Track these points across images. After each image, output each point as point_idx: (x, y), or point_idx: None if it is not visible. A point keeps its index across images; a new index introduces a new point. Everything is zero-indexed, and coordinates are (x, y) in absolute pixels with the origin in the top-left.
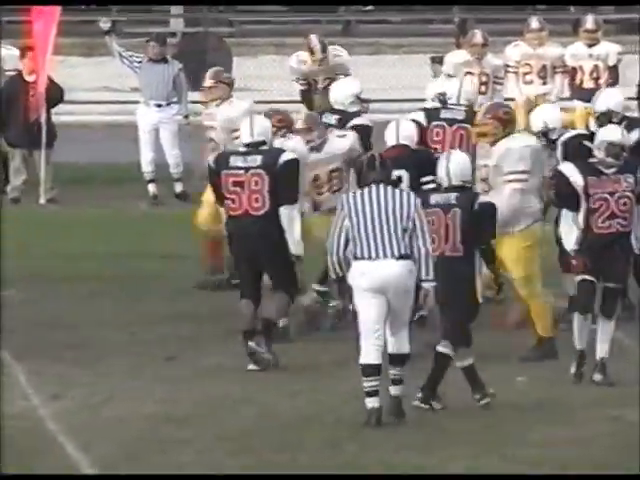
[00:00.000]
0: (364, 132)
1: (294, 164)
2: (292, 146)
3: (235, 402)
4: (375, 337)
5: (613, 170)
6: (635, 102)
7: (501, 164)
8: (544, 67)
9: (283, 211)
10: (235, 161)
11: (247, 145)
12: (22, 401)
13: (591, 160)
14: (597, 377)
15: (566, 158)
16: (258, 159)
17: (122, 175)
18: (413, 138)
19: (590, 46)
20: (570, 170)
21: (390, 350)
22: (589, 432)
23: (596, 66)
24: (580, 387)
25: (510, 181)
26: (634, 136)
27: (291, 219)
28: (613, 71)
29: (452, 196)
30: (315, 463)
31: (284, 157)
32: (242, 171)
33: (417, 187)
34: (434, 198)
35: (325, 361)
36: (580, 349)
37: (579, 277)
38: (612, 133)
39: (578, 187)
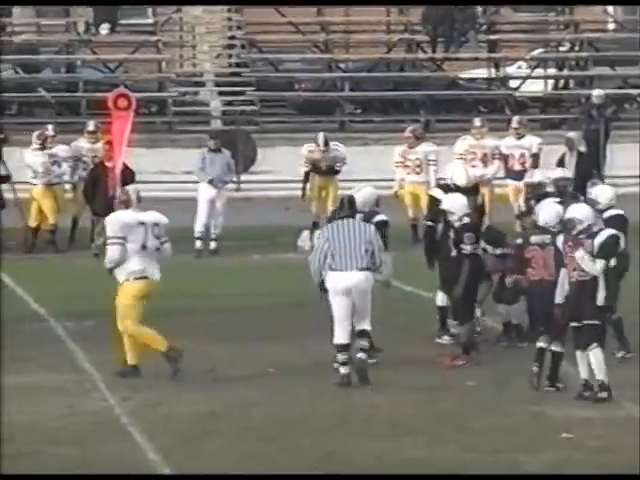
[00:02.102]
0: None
1: None
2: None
3: (249, 404)
4: (344, 324)
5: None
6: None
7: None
8: (485, 155)
9: None
10: None
11: None
12: (102, 402)
13: None
14: None
15: None
16: None
17: (175, 235)
18: None
19: (518, 139)
20: None
21: (358, 328)
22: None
23: (522, 154)
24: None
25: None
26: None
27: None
28: (535, 157)
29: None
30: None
31: None
32: None
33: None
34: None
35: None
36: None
37: None
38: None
39: None
